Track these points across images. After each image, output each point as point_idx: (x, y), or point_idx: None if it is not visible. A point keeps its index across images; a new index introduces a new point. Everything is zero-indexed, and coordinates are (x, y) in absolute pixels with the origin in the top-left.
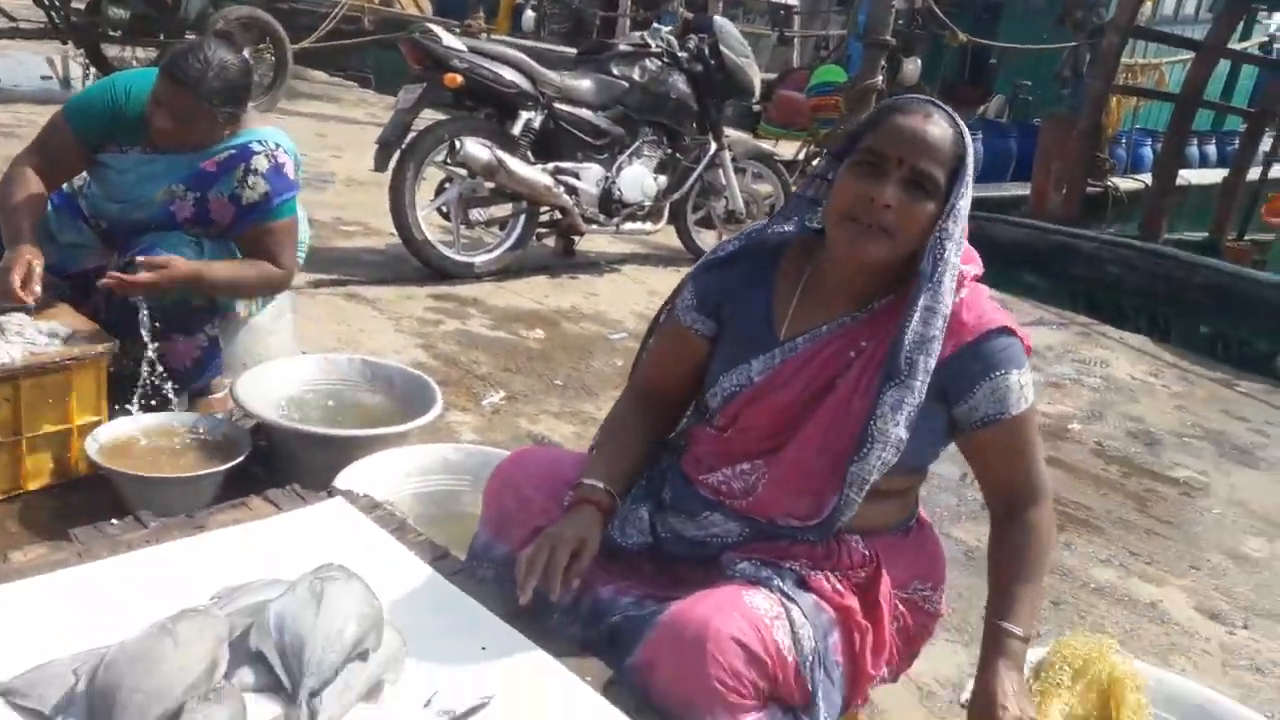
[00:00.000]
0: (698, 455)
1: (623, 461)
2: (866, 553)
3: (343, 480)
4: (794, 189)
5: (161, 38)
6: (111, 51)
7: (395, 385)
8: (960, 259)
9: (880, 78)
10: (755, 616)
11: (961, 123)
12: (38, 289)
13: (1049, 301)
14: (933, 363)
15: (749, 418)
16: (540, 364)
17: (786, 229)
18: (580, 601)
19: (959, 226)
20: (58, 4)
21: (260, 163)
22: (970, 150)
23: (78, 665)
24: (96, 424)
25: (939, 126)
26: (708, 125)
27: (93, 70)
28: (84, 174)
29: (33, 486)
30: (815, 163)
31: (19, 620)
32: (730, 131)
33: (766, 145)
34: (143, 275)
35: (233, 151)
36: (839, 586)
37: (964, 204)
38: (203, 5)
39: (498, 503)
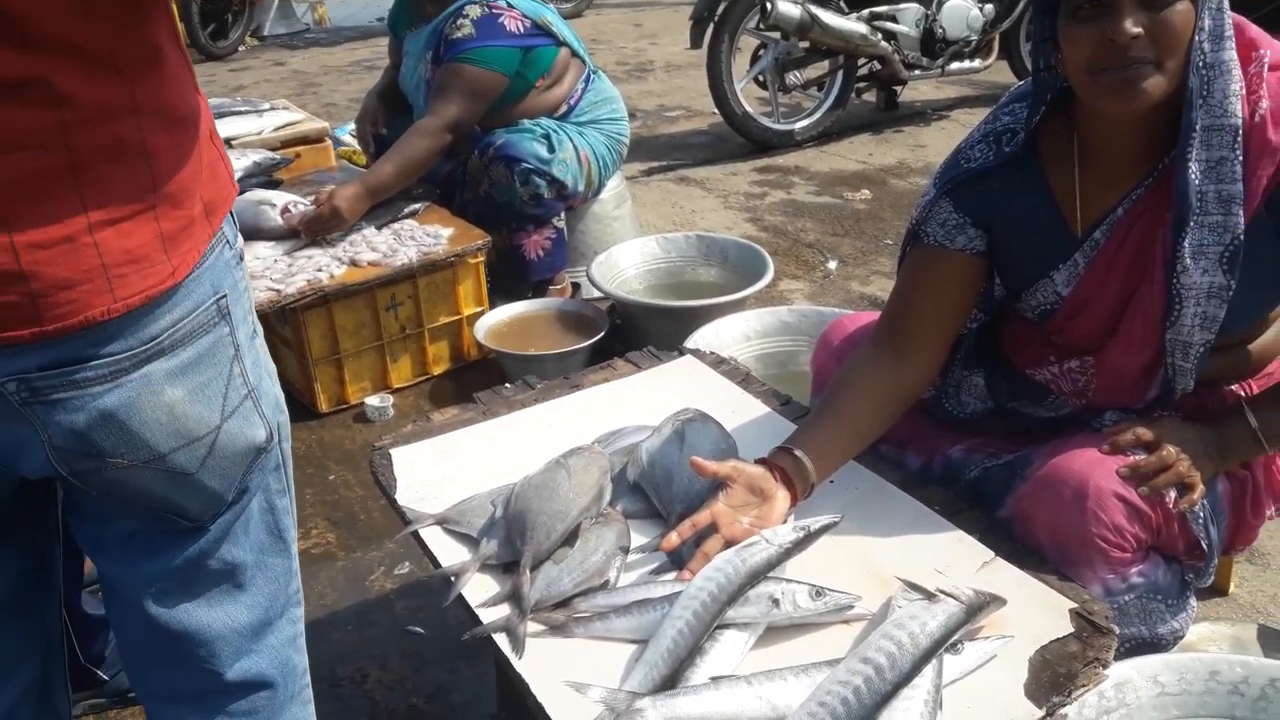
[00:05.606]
0: (1020, 339)
1: (840, 433)
2: (1243, 393)
3: (689, 344)
4: None
5: None
6: None
7: (729, 257)
8: (1234, 50)
9: None
10: None
11: None
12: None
13: None
14: (1237, 188)
15: (1071, 329)
16: (869, 224)
17: (1021, 114)
18: (932, 463)
19: (1213, 16)
20: None
21: (474, 10)
22: None
23: (494, 497)
24: (480, 314)
25: None
26: None
27: None
28: None
29: (437, 371)
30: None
31: (444, 464)
32: None
33: None
34: (308, 224)
35: (458, 5)
36: None
37: None
38: None
39: (828, 376)
